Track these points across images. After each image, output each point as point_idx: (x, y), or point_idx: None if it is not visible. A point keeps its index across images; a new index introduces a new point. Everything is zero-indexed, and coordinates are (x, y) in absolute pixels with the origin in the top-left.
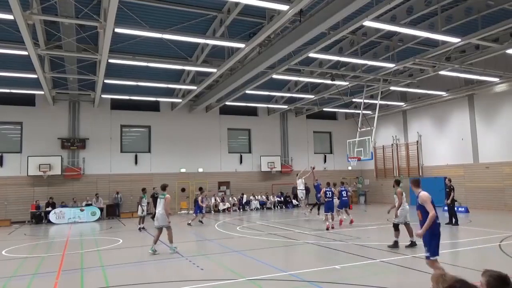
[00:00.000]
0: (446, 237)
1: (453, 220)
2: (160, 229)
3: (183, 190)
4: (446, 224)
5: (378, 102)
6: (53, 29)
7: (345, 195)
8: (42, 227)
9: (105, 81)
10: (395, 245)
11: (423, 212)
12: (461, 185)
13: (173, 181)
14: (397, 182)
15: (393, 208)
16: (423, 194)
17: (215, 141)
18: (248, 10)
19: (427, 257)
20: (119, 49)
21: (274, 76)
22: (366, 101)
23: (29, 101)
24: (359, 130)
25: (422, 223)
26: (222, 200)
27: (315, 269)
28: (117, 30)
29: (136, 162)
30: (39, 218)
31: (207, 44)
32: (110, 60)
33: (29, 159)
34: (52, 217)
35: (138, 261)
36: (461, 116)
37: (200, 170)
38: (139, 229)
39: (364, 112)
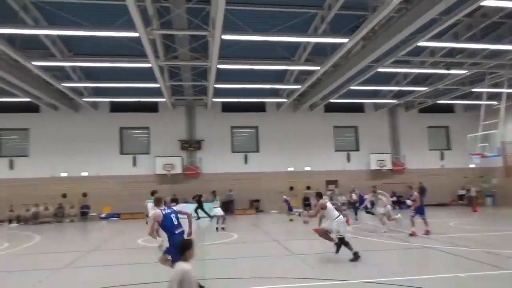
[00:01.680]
0: None
1: None
2: None
3: (291, 188)
4: None
5: (505, 90)
6: (170, 42)
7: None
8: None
9: (215, 85)
10: None
11: None
12: None
13: (281, 180)
14: None
15: None
16: None
17: (321, 139)
18: (350, 3)
19: None
20: (227, 55)
21: (380, 69)
22: (489, 90)
23: (153, 107)
24: (482, 123)
25: None
26: (331, 199)
27: (435, 276)
28: (224, 37)
29: (246, 161)
30: None
31: (309, 42)
32: (219, 66)
33: (156, 160)
34: None
35: (252, 256)
36: None
37: (307, 168)
38: (216, 228)
39: (487, 103)
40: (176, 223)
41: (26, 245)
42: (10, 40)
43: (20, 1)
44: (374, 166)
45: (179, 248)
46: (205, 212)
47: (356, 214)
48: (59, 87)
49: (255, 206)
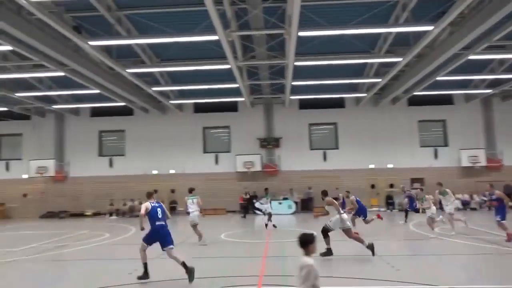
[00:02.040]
0: None
1: None
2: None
3: (372, 186)
4: None
5: None
6: (248, 42)
7: None
8: (249, 216)
9: (293, 83)
10: None
11: None
12: None
13: (362, 177)
14: None
15: None
16: None
17: (404, 135)
18: None
19: None
20: (304, 52)
21: (472, 56)
22: None
23: (233, 107)
24: None
25: None
26: (416, 198)
27: None
28: (300, 34)
29: (324, 159)
30: (246, 209)
31: (390, 33)
32: (296, 63)
33: (236, 158)
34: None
35: (331, 255)
36: None
37: (390, 166)
38: (266, 225)
39: None
40: (160, 216)
41: (123, 236)
42: (108, 50)
43: (115, 14)
44: (465, 163)
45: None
46: (256, 208)
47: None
48: (149, 91)
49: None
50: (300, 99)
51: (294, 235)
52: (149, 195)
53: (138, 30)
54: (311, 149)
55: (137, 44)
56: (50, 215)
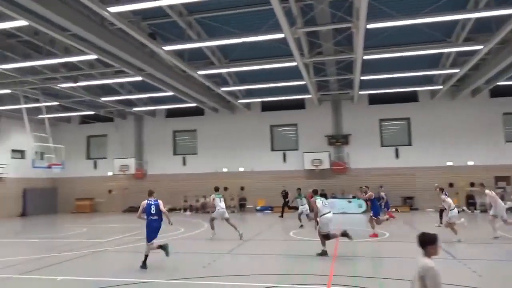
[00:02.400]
0: None
1: None
2: None
3: (451, 185)
4: None
5: None
6: (314, 38)
7: None
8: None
9: (362, 78)
10: None
11: None
12: None
13: (438, 176)
14: None
15: None
16: None
17: (486, 129)
18: None
19: None
20: (373, 45)
21: None
22: None
23: (300, 104)
24: None
25: None
26: (502, 198)
27: None
28: (369, 26)
29: (397, 156)
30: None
31: (469, 19)
32: (364, 57)
33: (304, 155)
34: None
35: (403, 257)
36: None
37: (470, 163)
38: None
39: None
40: (153, 212)
41: (197, 231)
42: (180, 54)
43: (186, 19)
44: None
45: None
46: (288, 207)
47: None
48: (219, 92)
49: (409, 203)
50: (370, 94)
51: (364, 235)
52: (149, 193)
53: (207, 33)
54: (382, 146)
55: (206, 47)
56: (132, 209)
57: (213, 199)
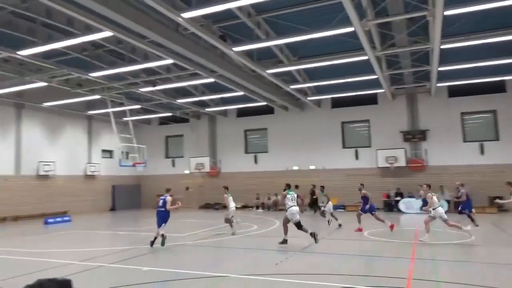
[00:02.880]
0: None
1: None
2: None
3: None
4: None
5: None
6: (386, 30)
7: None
8: (393, 215)
9: (440, 68)
10: None
11: None
12: None
13: None
14: None
15: None
16: None
17: None
18: None
19: None
20: (451, 33)
21: None
22: None
23: (372, 100)
24: None
25: None
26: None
27: None
28: (446, 13)
29: (481, 152)
30: (390, 206)
31: None
32: (442, 46)
33: (377, 152)
34: (401, 206)
35: (490, 262)
36: None
37: None
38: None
39: None
40: (161, 204)
41: (269, 228)
42: (249, 54)
43: (254, 19)
44: None
45: None
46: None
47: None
48: (288, 90)
49: (497, 204)
50: (449, 86)
51: (446, 236)
52: (166, 190)
53: (275, 32)
54: (465, 142)
55: (275, 45)
56: (207, 206)
57: (284, 197)
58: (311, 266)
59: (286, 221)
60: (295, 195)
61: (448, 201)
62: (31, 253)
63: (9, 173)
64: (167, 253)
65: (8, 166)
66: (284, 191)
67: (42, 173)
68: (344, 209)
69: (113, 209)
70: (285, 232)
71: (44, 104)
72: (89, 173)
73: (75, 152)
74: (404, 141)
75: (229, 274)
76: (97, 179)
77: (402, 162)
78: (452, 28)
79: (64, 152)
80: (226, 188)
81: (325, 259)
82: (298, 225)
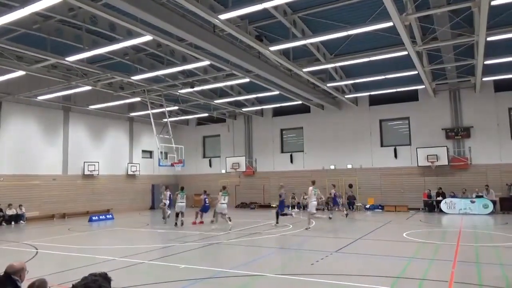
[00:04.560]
0: None
1: None
2: None
3: None
4: None
5: None
6: (427, 23)
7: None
8: (435, 215)
9: (486, 62)
10: None
11: None
12: None
13: None
14: None
15: None
16: None
17: None
18: None
19: None
20: (497, 24)
21: None
22: None
23: (413, 96)
24: None
25: None
26: None
27: None
28: (493, 3)
29: None
30: (431, 206)
31: None
32: (488, 39)
33: (417, 151)
34: (443, 206)
35: None
36: None
37: None
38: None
39: None
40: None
41: (304, 229)
42: (285, 53)
43: (290, 18)
44: None
45: None
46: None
47: None
48: (324, 88)
49: None
50: (496, 80)
51: (490, 239)
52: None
53: (311, 30)
54: None
55: (311, 43)
56: (243, 205)
57: (310, 192)
58: (347, 266)
59: (307, 215)
60: (319, 192)
61: (493, 201)
62: (76, 249)
63: (57, 173)
64: (203, 251)
65: (56, 166)
66: (309, 187)
67: (87, 173)
68: (382, 209)
69: (152, 207)
70: (308, 222)
71: (89, 107)
72: (130, 172)
73: (117, 153)
74: (447, 138)
75: (265, 273)
76: (138, 178)
77: (444, 161)
78: (500, 18)
79: (107, 152)
80: (224, 187)
81: (362, 259)
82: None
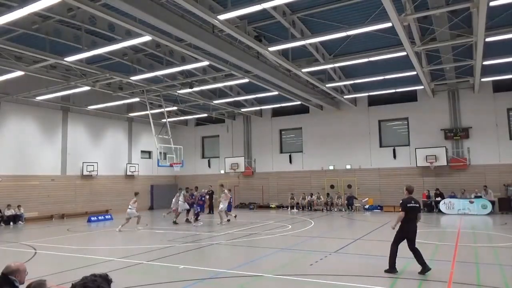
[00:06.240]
0: None
1: None
2: None
3: None
4: None
5: None
6: (426, 24)
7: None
8: (433, 216)
9: (484, 63)
10: None
11: None
12: None
13: None
14: None
15: None
16: None
17: None
18: None
19: None
20: (496, 25)
21: None
22: None
23: (411, 97)
24: None
25: None
26: None
27: None
28: (492, 4)
29: None
30: (430, 207)
31: None
32: (487, 39)
33: (416, 151)
34: (442, 207)
35: None
36: None
37: None
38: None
39: None
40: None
41: (303, 229)
42: (284, 54)
43: (289, 18)
44: None
45: None
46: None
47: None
48: (323, 88)
49: None
50: (494, 81)
51: (489, 239)
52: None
53: (310, 30)
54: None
55: (310, 44)
56: (242, 205)
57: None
58: (346, 267)
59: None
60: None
61: (492, 202)
62: (75, 249)
63: (56, 173)
64: (202, 252)
65: (55, 166)
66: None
67: (85, 173)
68: (381, 209)
69: (151, 208)
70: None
71: (88, 107)
72: (129, 173)
73: (116, 153)
74: (445, 139)
75: (263, 273)
76: (137, 179)
77: (442, 161)
78: (498, 19)
79: (106, 153)
80: (222, 185)
81: (361, 260)
82: None
